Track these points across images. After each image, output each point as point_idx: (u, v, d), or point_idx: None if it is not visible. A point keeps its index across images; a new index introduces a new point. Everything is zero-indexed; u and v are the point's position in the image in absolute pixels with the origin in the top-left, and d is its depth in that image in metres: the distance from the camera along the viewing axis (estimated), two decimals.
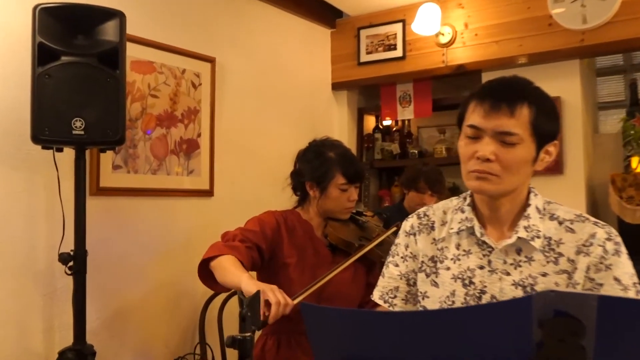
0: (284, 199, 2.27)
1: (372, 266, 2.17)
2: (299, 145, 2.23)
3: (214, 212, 3.00)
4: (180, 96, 2.86)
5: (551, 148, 1.33)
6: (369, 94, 4.18)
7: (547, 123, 1.30)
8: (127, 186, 2.61)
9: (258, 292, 1.51)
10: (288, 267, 2.04)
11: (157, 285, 2.74)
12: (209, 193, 3.00)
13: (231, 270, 1.79)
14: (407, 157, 4.08)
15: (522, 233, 1.32)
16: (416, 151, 4.06)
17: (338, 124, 3.99)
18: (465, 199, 1.44)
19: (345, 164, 2.09)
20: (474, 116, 1.30)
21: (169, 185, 2.79)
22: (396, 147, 4.14)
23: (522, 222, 1.33)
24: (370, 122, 4.31)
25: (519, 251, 1.33)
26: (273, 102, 3.45)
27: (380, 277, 1.53)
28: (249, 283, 1.69)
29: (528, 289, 1.30)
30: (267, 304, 1.61)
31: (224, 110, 3.10)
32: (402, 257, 1.49)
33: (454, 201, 1.47)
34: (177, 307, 2.82)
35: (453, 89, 3.93)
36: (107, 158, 2.52)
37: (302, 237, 2.11)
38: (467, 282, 1.35)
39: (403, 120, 4.22)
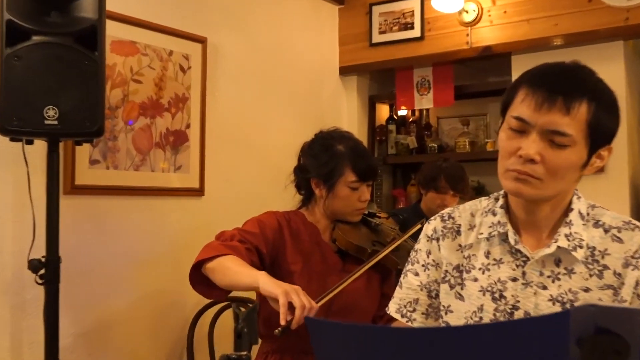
0: (286, 199, 2.27)
1: (388, 274, 2.17)
2: (303, 138, 2.23)
3: (204, 214, 3.01)
4: (166, 81, 2.86)
5: (604, 152, 1.31)
6: (382, 79, 4.18)
7: (605, 125, 1.27)
8: (106, 184, 2.62)
9: (256, 305, 1.52)
10: (292, 275, 2.04)
11: (140, 296, 2.74)
12: (199, 192, 3.00)
13: (239, 270, 1.78)
14: (425, 152, 4.08)
15: (562, 242, 1.31)
16: (435, 145, 4.06)
17: (347, 114, 3.99)
18: (496, 199, 1.42)
19: (356, 158, 2.09)
20: (523, 107, 1.27)
21: (153, 183, 2.80)
22: (413, 140, 4.14)
23: (563, 230, 1.32)
24: (383, 111, 4.31)
25: (557, 262, 1.32)
26: (273, 89, 3.45)
27: (397, 288, 1.53)
28: (267, 282, 1.67)
29: (567, 305, 1.29)
30: (291, 306, 1.61)
31: (216, 98, 3.10)
32: (423, 265, 1.48)
33: (483, 202, 1.46)
34: (163, 321, 2.83)
35: (478, 75, 3.93)
36: (84, 152, 2.53)
37: (307, 242, 2.11)
38: (497, 295, 1.34)
39: (421, 110, 4.22)
